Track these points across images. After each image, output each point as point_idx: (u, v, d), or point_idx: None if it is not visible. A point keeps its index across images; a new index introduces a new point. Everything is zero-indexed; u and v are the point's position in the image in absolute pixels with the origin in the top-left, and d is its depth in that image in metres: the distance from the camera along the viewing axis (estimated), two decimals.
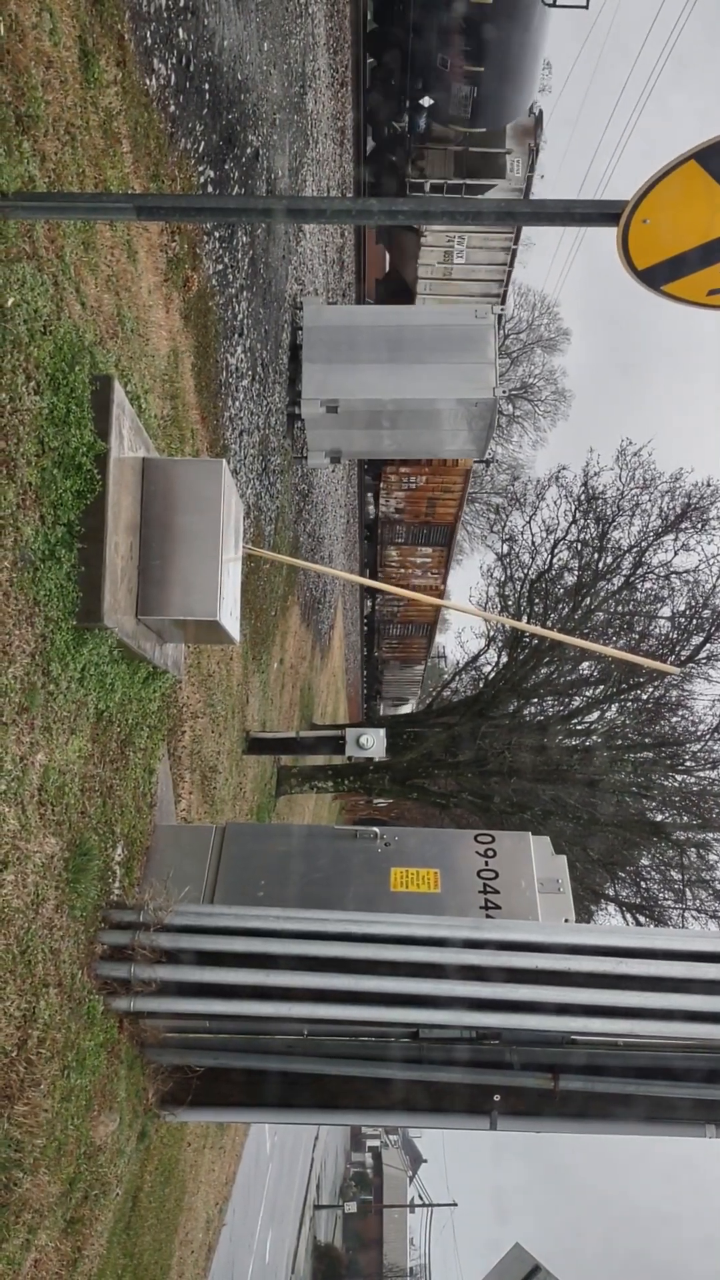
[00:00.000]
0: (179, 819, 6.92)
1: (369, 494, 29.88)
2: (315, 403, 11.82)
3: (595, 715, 15.59)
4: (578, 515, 16.61)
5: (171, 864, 5.58)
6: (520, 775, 14.19)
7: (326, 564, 19.12)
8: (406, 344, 11.80)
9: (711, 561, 15.23)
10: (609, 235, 3.18)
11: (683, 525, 15.58)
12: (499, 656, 17.07)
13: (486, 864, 5.58)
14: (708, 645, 14.90)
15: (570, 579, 16.59)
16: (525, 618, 16.31)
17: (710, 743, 14.74)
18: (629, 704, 15.52)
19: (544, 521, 17.07)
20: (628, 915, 15.62)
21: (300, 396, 11.81)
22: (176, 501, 4.73)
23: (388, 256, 30.57)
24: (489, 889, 5.47)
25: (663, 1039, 4.81)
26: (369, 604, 37.56)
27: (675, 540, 15.65)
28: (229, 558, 4.95)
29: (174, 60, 6.04)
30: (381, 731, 11.28)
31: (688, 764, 14.83)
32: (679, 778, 14.97)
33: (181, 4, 6.12)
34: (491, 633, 17.58)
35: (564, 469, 17.11)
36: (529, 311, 43.61)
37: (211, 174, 7.20)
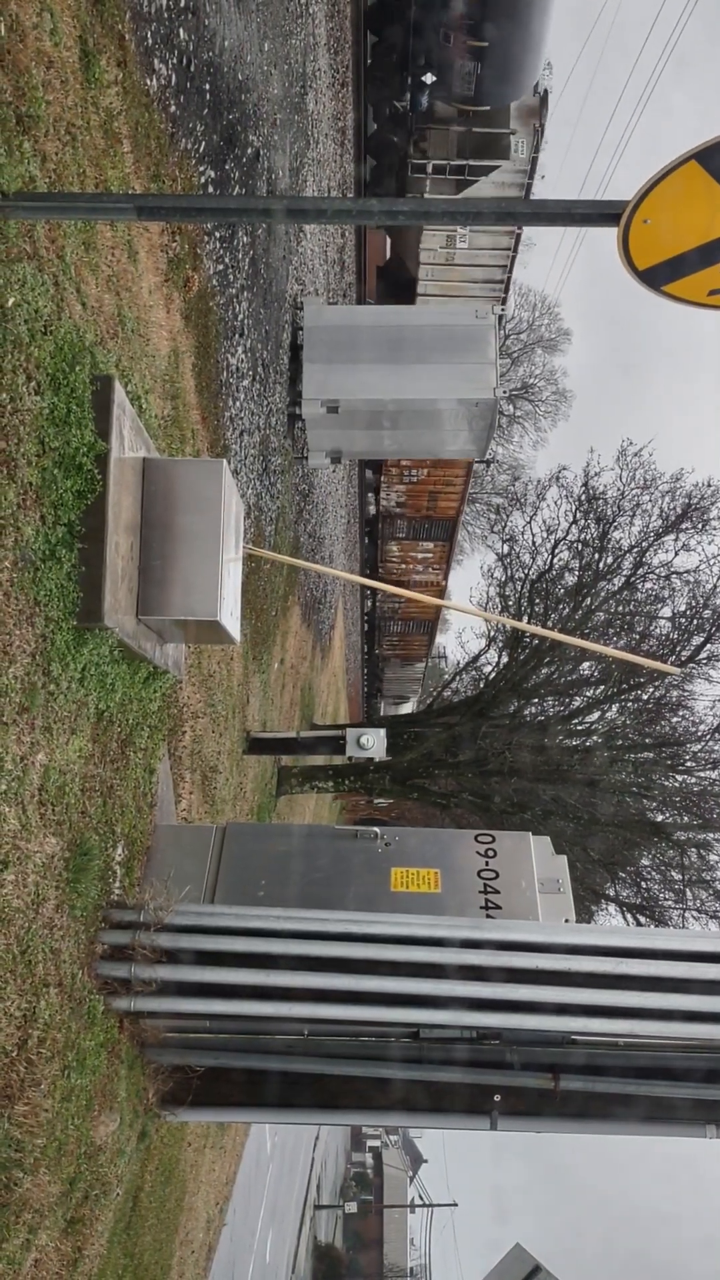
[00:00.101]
0: (179, 819, 6.92)
1: (370, 488, 29.67)
2: (316, 403, 11.82)
3: (596, 715, 15.59)
4: (578, 515, 16.61)
5: (172, 864, 5.58)
6: (520, 775, 14.19)
7: (327, 564, 19.12)
8: (407, 344, 11.79)
9: (712, 562, 15.24)
10: (609, 235, 3.18)
11: (683, 525, 15.58)
12: (499, 657, 17.07)
13: (487, 864, 5.58)
14: (708, 645, 14.90)
15: (571, 579, 16.59)
16: (526, 618, 16.31)
17: (710, 743, 14.74)
18: (629, 704, 15.52)
19: (544, 522, 17.08)
20: (628, 915, 15.62)
21: (301, 396, 11.81)
22: (177, 501, 4.73)
23: (389, 243, 30.07)
24: (489, 889, 5.47)
25: (663, 1039, 4.81)
26: (369, 601, 37.48)
27: (676, 540, 15.66)
28: (229, 558, 4.95)
29: (175, 60, 6.04)
30: (382, 731, 11.28)
31: (688, 764, 14.83)
32: (679, 778, 14.97)
33: (182, 4, 6.12)
34: (492, 633, 17.58)
35: (564, 469, 17.13)
36: (530, 312, 43.66)
37: (212, 174, 7.20)
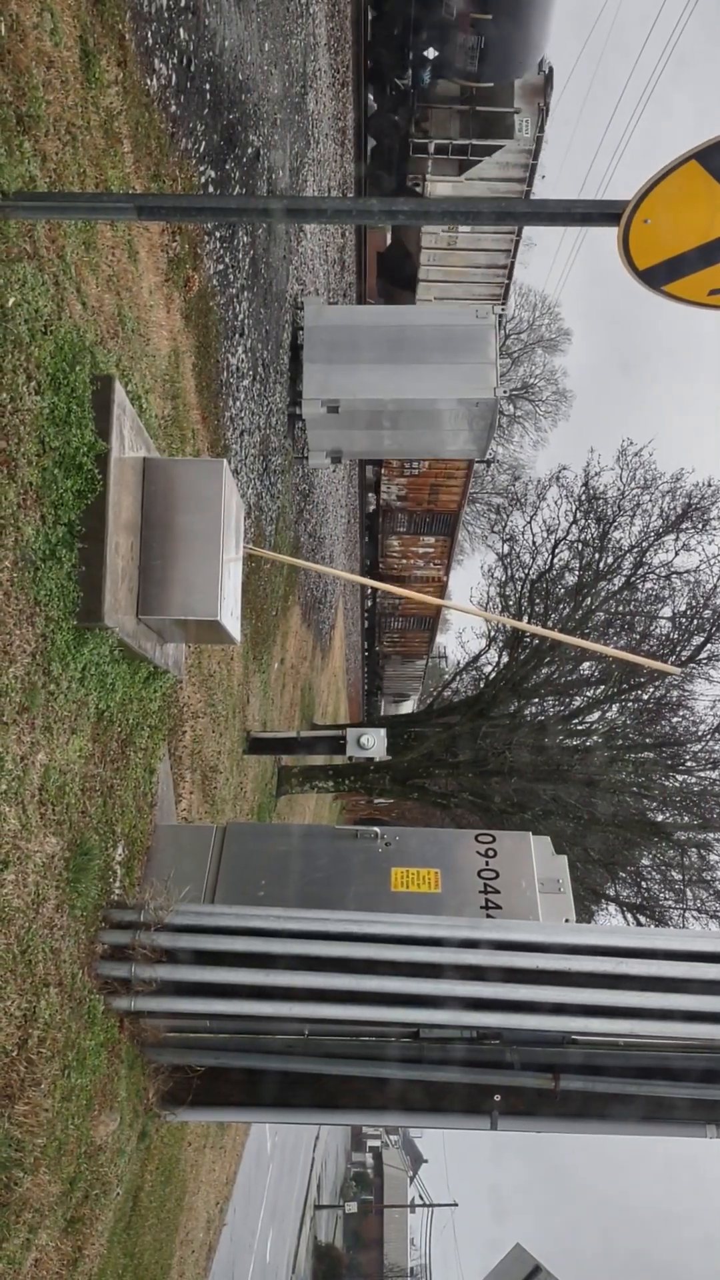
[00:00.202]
0: (179, 819, 6.92)
1: (370, 480, 29.38)
2: (316, 403, 11.82)
3: (596, 715, 15.59)
4: (578, 515, 16.61)
5: (172, 863, 5.58)
6: (521, 775, 14.19)
7: (327, 564, 19.12)
8: (407, 344, 11.79)
9: (712, 562, 15.24)
10: (610, 235, 3.18)
11: (684, 525, 15.57)
12: (499, 656, 17.07)
13: (487, 864, 5.58)
14: (708, 645, 14.89)
15: (571, 579, 16.59)
16: (526, 618, 16.31)
17: (711, 743, 14.73)
18: (629, 704, 15.52)
19: (545, 521, 17.08)
20: (628, 915, 15.62)
21: (301, 396, 11.81)
22: (177, 501, 4.73)
23: (390, 227, 30.05)
24: (489, 889, 5.47)
25: (663, 1039, 4.81)
26: (369, 598, 37.32)
27: (676, 540, 15.65)
28: (230, 558, 4.95)
29: (175, 60, 6.04)
30: (382, 731, 11.28)
31: (688, 764, 14.83)
32: (679, 778, 14.96)
33: (182, 4, 6.12)
34: (492, 633, 17.57)
35: (565, 469, 17.11)
36: (530, 312, 43.62)
37: (212, 174, 7.20)
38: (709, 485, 15.61)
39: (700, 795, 14.59)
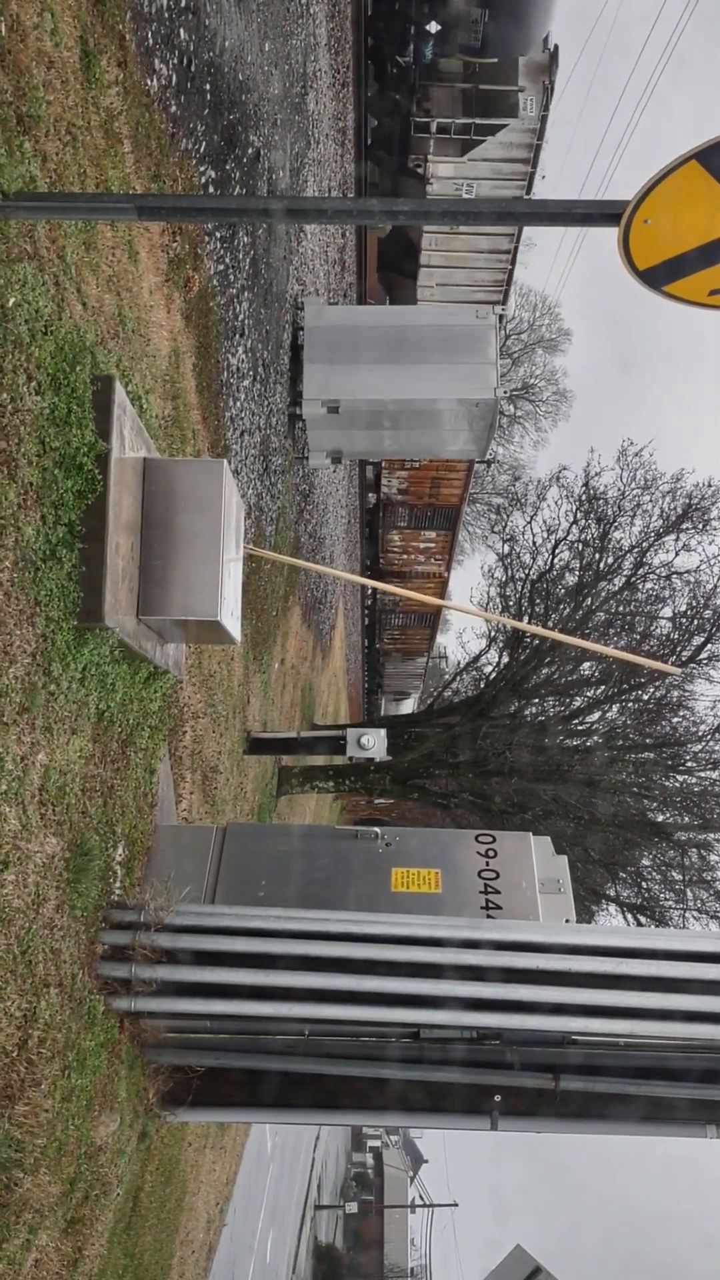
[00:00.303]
0: (180, 819, 6.92)
1: (370, 480, 29.05)
2: (316, 403, 11.82)
3: (596, 716, 15.59)
4: (579, 515, 16.61)
5: (172, 864, 5.58)
6: (521, 775, 14.19)
7: (327, 564, 19.12)
8: (407, 344, 11.79)
9: (712, 562, 15.25)
10: (610, 235, 3.18)
11: (684, 526, 15.58)
12: (500, 657, 17.07)
13: (487, 864, 5.58)
14: (709, 646, 14.90)
15: (571, 579, 16.59)
16: (526, 618, 16.31)
17: (711, 743, 14.74)
18: (630, 704, 15.52)
19: (545, 522, 17.08)
20: (628, 915, 15.62)
21: (301, 397, 11.81)
22: (178, 502, 4.73)
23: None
24: (490, 889, 5.47)
25: (663, 1039, 4.81)
26: (370, 594, 37.11)
27: (676, 540, 15.67)
28: (230, 558, 4.95)
29: (175, 60, 6.04)
30: (382, 732, 11.28)
31: (688, 764, 14.83)
32: (680, 778, 14.97)
33: (183, 4, 6.13)
34: (492, 633, 17.57)
35: (565, 469, 17.12)
36: (530, 312, 43.62)
37: (213, 174, 7.20)
38: (709, 485, 15.64)
39: (700, 795, 14.60)
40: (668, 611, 15.78)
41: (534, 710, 16.30)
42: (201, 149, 6.83)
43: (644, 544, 15.93)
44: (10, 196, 3.45)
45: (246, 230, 8.65)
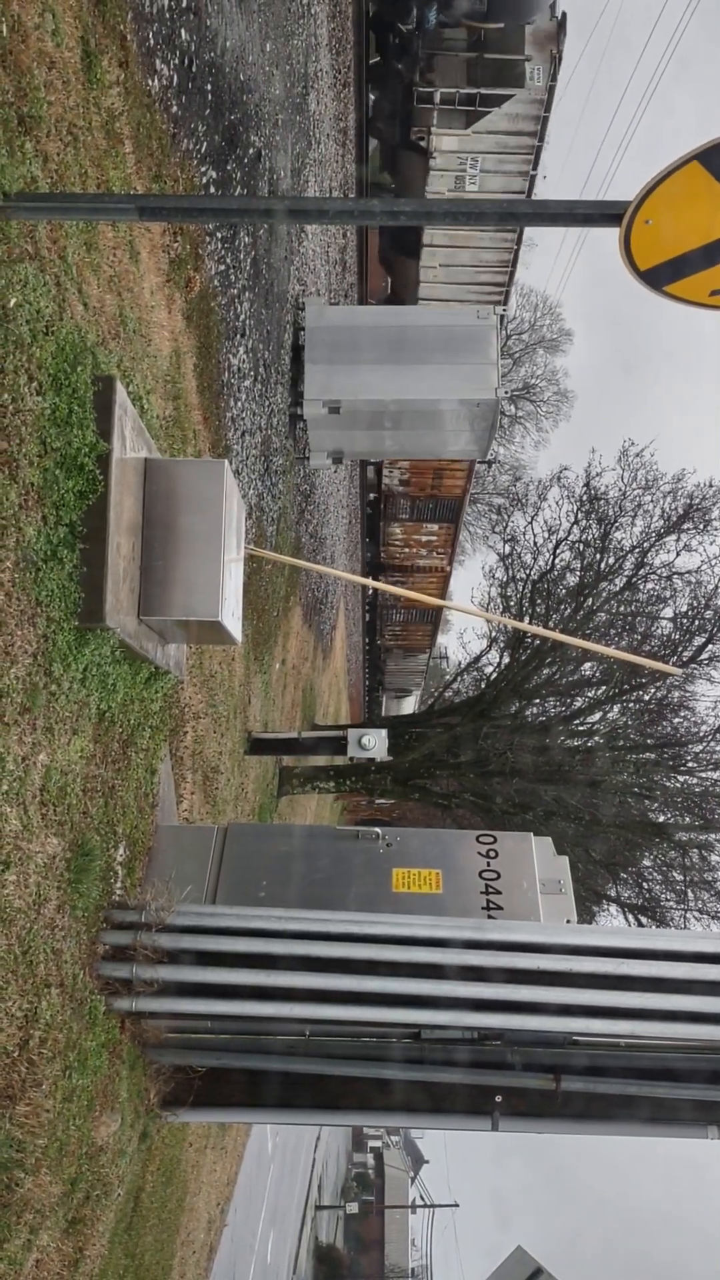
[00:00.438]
0: (181, 819, 6.92)
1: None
2: (317, 403, 11.82)
3: (597, 716, 15.59)
4: (580, 516, 16.62)
5: (173, 864, 5.58)
6: (522, 776, 14.19)
7: (328, 565, 19.12)
8: (408, 344, 11.79)
9: (714, 562, 15.26)
10: (611, 236, 3.18)
11: (685, 526, 15.59)
12: (501, 657, 17.07)
13: (488, 865, 5.58)
14: (710, 646, 14.90)
15: (572, 580, 16.60)
16: (527, 618, 16.31)
17: (712, 744, 14.73)
18: (631, 705, 15.52)
19: (546, 522, 17.10)
20: (629, 916, 15.62)
21: (302, 397, 11.81)
22: (179, 502, 4.73)
23: (395, 186, 27.47)
24: (491, 890, 5.47)
25: (664, 1040, 4.80)
26: (370, 589, 36.82)
27: (677, 541, 15.68)
28: (231, 558, 4.95)
29: (176, 61, 6.05)
30: (383, 732, 11.29)
31: (690, 765, 14.83)
32: (681, 779, 14.97)
33: (184, 4, 6.13)
34: (493, 633, 17.58)
35: (566, 469, 17.14)
36: (531, 312, 43.63)
37: (214, 174, 7.20)
38: (710, 486, 15.65)
39: (702, 796, 14.60)
40: (669, 612, 15.81)
41: (535, 711, 16.30)
42: (203, 149, 6.83)
43: (645, 544, 15.94)
44: (12, 197, 3.45)
45: (248, 231, 8.65)
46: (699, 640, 14.98)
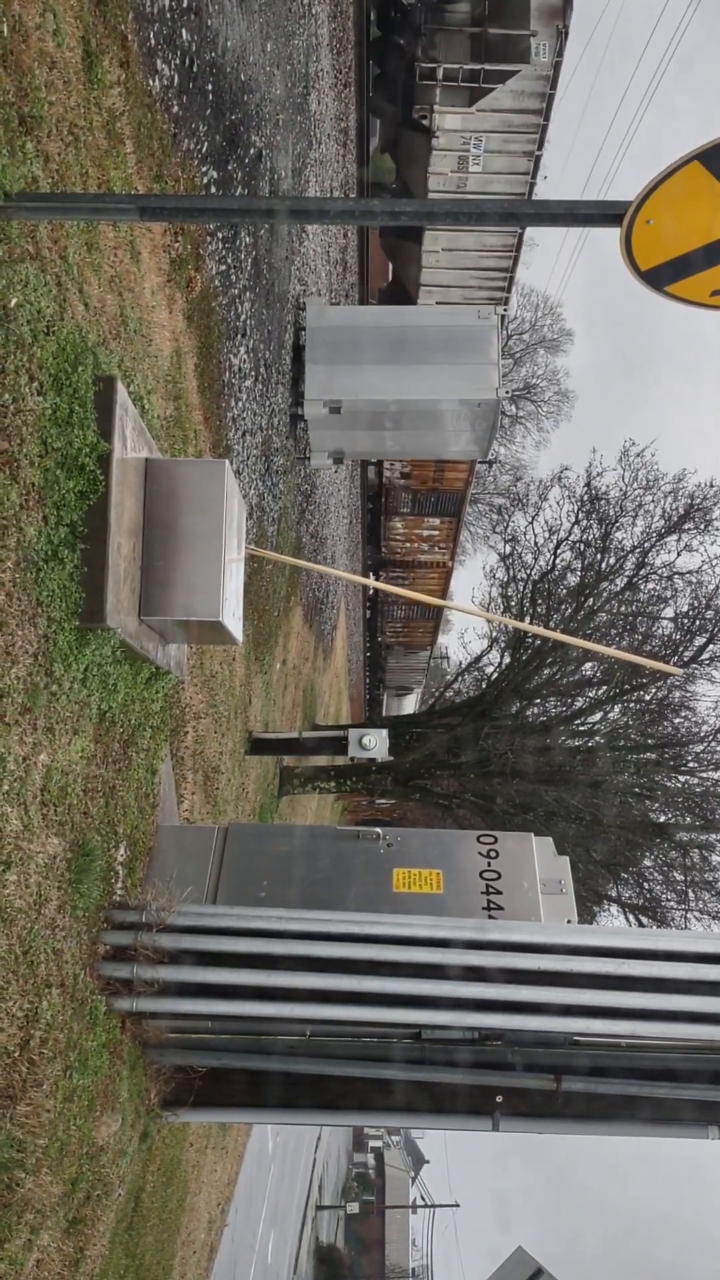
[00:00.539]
0: (181, 819, 6.92)
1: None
2: (318, 403, 11.82)
3: (598, 716, 15.59)
4: (580, 516, 16.62)
5: (174, 864, 5.58)
6: (523, 776, 14.18)
7: (329, 565, 19.12)
8: (409, 345, 11.79)
9: (714, 562, 15.26)
10: (612, 236, 3.18)
11: (686, 526, 15.59)
12: (501, 657, 17.07)
13: (489, 865, 5.58)
14: (711, 646, 14.90)
15: (573, 580, 16.60)
16: (528, 618, 16.31)
17: (713, 744, 14.73)
18: (632, 705, 15.52)
19: (547, 522, 17.10)
20: (630, 916, 15.61)
21: (303, 397, 11.81)
22: (179, 502, 4.73)
23: (396, 170, 27.19)
24: (491, 890, 5.47)
25: (665, 1041, 4.80)
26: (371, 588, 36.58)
27: (678, 541, 15.68)
28: (232, 558, 4.95)
29: (177, 61, 6.04)
30: (384, 732, 11.28)
31: (691, 765, 14.83)
32: (682, 779, 14.97)
33: (185, 4, 6.13)
34: (494, 634, 17.57)
35: (567, 470, 17.14)
36: (532, 312, 43.62)
37: (214, 175, 7.20)
38: (711, 486, 15.65)
39: (702, 796, 14.59)
40: (669, 612, 15.81)
41: (536, 711, 16.30)
42: (203, 149, 6.83)
43: (646, 544, 15.94)
44: (13, 197, 3.45)
45: (248, 231, 8.65)
46: (700, 640, 14.99)
